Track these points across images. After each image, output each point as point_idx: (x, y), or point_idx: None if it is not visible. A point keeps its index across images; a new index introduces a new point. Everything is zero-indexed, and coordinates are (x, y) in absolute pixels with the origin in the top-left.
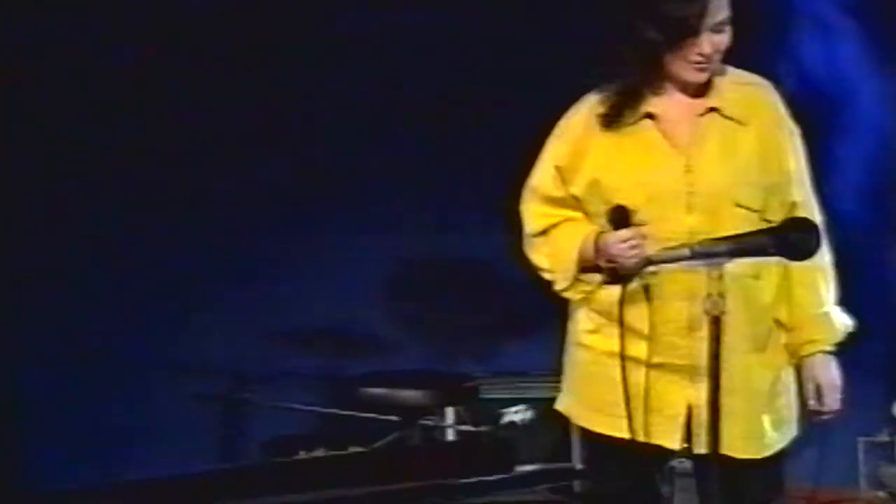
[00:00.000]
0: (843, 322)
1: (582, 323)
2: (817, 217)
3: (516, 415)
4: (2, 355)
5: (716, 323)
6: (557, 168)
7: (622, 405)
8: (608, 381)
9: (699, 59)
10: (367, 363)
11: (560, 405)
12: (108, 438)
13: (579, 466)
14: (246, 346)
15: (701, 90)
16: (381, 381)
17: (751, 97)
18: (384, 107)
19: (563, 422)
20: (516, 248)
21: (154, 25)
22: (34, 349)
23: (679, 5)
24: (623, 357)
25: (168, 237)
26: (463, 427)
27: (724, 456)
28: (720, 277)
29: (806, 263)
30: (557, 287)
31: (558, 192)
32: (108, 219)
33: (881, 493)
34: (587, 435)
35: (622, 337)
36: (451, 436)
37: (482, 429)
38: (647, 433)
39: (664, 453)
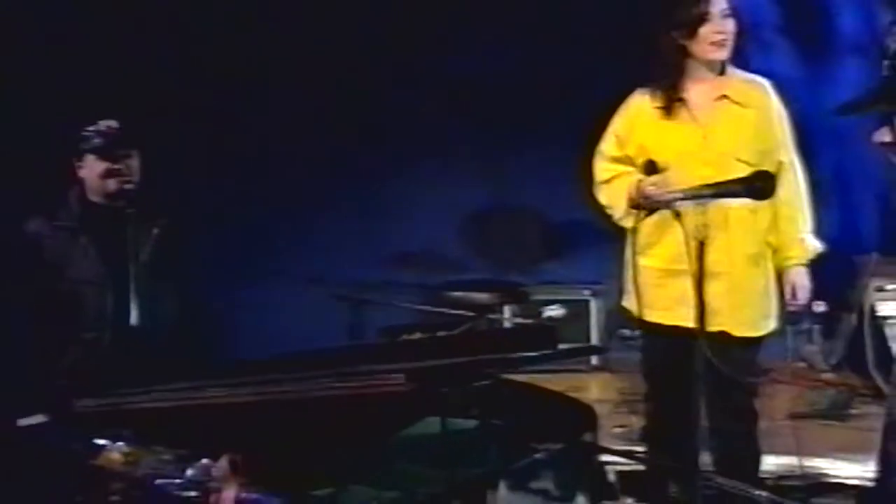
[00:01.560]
0: (814, 245)
1: (634, 245)
2: (801, 172)
3: (553, 311)
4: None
5: (701, 245)
6: (617, 136)
7: (662, 301)
8: (651, 286)
9: (719, 37)
10: (450, 275)
11: (625, 303)
12: (266, 327)
13: (597, 345)
14: (366, 263)
15: (716, 80)
16: (460, 287)
17: (752, 89)
18: (474, 86)
19: (585, 315)
20: (557, 196)
21: None
22: (232, 267)
23: (687, 4)
24: (660, 269)
25: (312, 187)
26: (516, 319)
27: (729, 335)
28: (704, 213)
29: (790, 202)
30: (616, 218)
31: (618, 153)
32: (266, 167)
33: (801, 364)
34: (641, 323)
35: (661, 255)
36: (507, 325)
37: (529, 320)
38: (678, 319)
39: (691, 333)
